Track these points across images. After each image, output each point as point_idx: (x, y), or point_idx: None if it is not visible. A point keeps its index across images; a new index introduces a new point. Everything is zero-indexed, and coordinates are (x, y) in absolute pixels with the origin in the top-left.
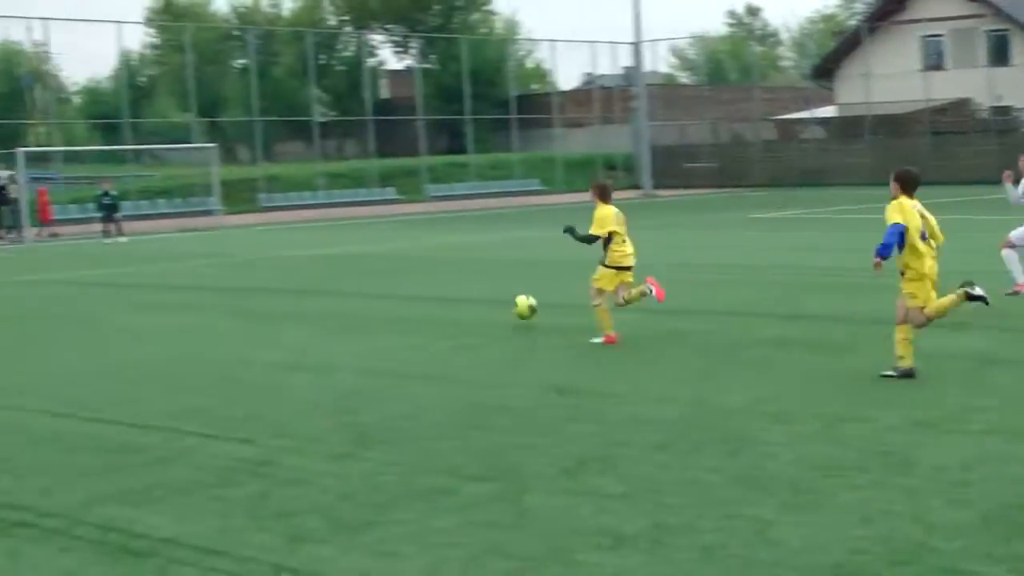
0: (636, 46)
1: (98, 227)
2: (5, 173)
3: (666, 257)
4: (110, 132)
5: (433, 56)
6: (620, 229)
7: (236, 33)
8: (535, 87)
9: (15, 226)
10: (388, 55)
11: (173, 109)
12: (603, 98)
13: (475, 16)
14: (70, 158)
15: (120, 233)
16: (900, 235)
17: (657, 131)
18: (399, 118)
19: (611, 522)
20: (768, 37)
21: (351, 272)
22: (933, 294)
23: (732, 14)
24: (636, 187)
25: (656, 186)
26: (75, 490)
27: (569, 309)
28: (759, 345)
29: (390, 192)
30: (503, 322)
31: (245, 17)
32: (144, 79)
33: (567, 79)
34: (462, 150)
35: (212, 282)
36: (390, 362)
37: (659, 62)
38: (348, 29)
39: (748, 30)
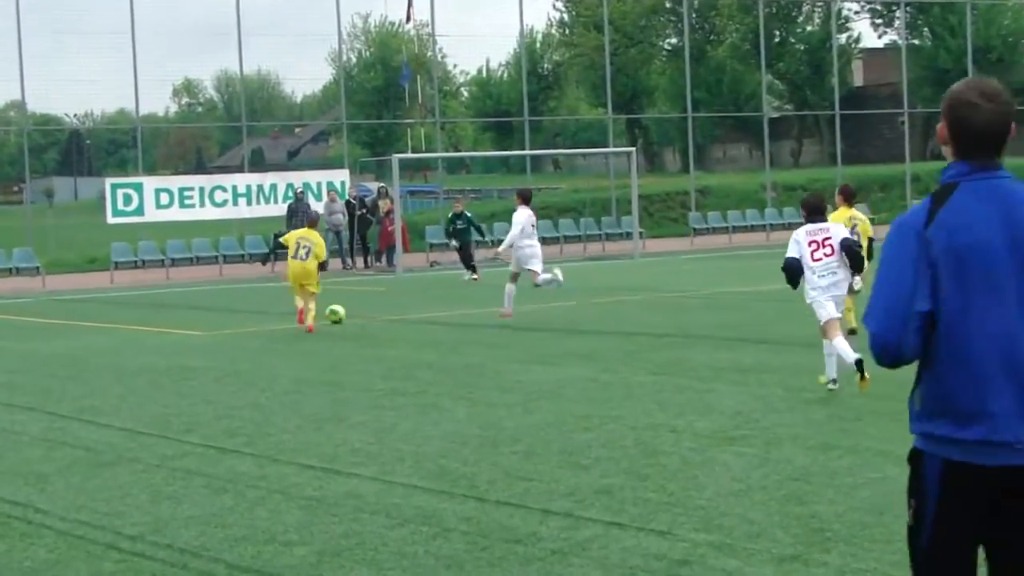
0: None
1: (484, 253)
2: (374, 186)
3: None
4: (504, 133)
5: (924, 29)
6: (292, 248)
7: (667, 5)
8: None
9: (381, 250)
10: (864, 28)
11: (583, 104)
12: None
13: None
14: (454, 166)
15: (471, 268)
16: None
17: None
18: (875, 112)
19: None
20: None
21: (798, 313)
22: None
23: None
24: None
25: None
26: None
27: None
28: None
29: (861, 209)
30: None
31: None
32: (548, 66)
33: None
34: None
35: (627, 326)
36: (855, 436)
37: None
38: None
39: None
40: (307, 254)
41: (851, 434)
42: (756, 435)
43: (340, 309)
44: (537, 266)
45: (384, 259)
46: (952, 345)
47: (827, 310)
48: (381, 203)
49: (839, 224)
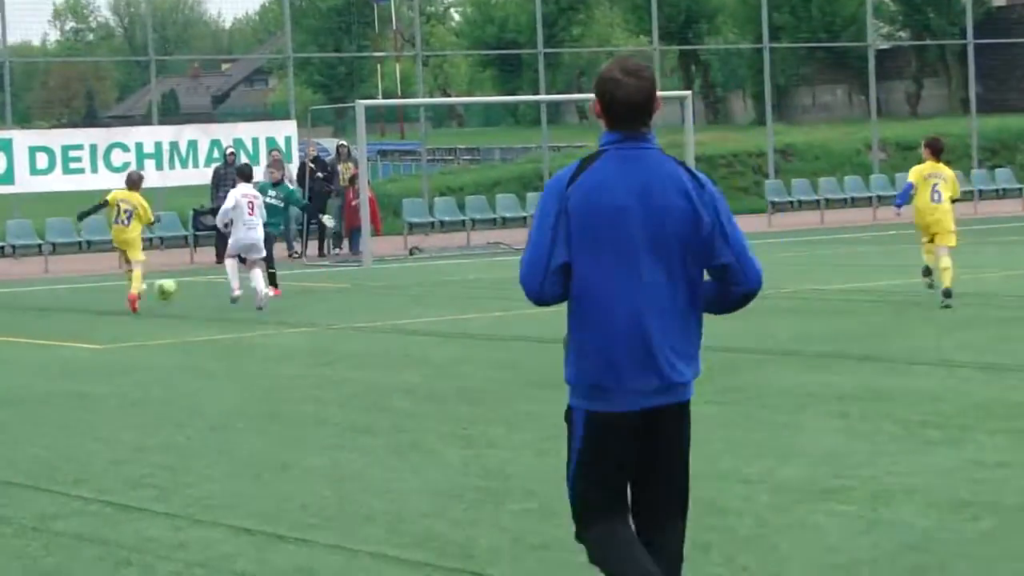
0: None
1: (475, 239)
2: (331, 143)
3: None
4: (510, 72)
5: None
6: (112, 212)
7: None
8: None
9: (344, 233)
10: None
11: (619, 31)
12: None
13: None
14: (441, 116)
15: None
16: None
17: None
18: (1020, 41)
19: None
20: None
21: (923, 320)
22: None
23: None
24: None
25: None
26: None
27: None
28: None
29: (1004, 176)
30: None
31: None
32: None
33: None
34: None
35: None
36: (998, 489)
37: None
38: None
39: None
40: (128, 218)
41: (991, 486)
42: (859, 487)
43: (170, 284)
44: (254, 254)
45: (347, 244)
46: (584, 298)
47: None
48: (341, 167)
49: None
